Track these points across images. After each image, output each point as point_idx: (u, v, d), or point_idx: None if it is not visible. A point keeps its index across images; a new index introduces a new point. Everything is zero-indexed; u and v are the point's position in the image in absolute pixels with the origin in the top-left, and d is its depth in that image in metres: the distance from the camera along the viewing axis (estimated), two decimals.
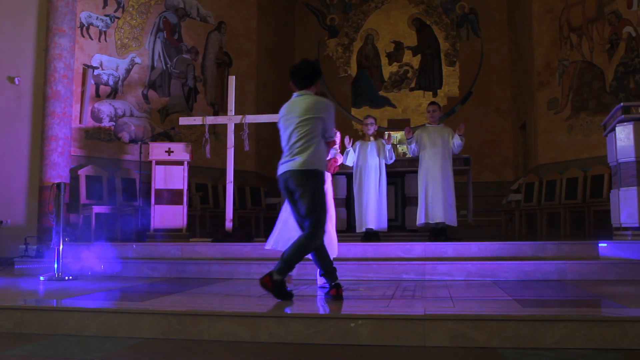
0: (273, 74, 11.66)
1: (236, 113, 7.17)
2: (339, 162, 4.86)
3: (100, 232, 7.37)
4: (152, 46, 9.46)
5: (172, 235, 7.05)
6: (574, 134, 8.83)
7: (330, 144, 4.16)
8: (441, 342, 2.98)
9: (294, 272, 4.20)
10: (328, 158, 4.47)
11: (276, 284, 3.72)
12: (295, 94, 4.03)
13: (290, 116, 3.92)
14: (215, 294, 4.29)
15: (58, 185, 5.71)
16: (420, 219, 6.65)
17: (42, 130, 7.82)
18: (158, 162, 7.26)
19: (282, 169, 3.88)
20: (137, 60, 9.16)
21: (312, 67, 4.02)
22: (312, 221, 3.75)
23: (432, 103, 7.07)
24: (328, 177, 4.41)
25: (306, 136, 3.81)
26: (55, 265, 5.45)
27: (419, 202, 6.70)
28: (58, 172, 7.75)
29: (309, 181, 3.76)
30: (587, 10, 8.69)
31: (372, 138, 6.91)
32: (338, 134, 4.82)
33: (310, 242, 3.75)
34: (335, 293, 3.83)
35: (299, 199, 3.81)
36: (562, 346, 2.87)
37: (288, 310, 3.43)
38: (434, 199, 6.56)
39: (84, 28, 8.49)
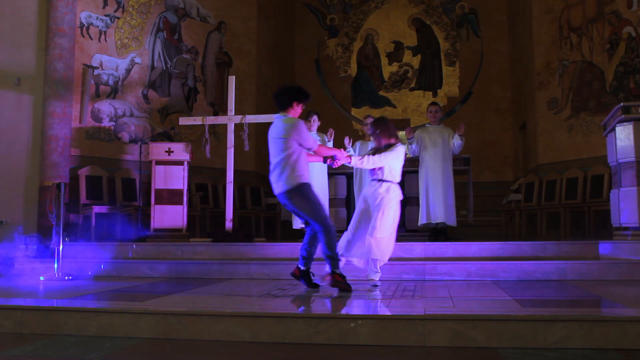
0: (273, 74, 11.65)
1: (236, 113, 7.16)
2: (341, 160, 4.80)
3: (100, 232, 7.37)
4: (152, 46, 9.46)
5: (172, 235, 7.04)
6: (574, 134, 8.82)
7: (318, 151, 4.60)
8: (441, 342, 2.98)
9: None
10: (329, 159, 4.73)
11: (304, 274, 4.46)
12: (277, 115, 4.55)
13: (271, 136, 4.48)
14: (215, 294, 4.29)
15: (58, 185, 5.71)
16: (421, 219, 6.66)
17: (42, 130, 7.81)
18: (158, 162, 7.24)
19: (274, 189, 4.48)
20: (137, 60, 9.16)
21: (285, 92, 4.51)
22: (318, 222, 4.32)
23: (434, 103, 7.09)
24: (394, 189, 4.76)
25: (285, 157, 4.34)
26: (55, 265, 5.45)
27: (420, 203, 6.70)
28: (58, 172, 7.74)
29: (294, 198, 4.35)
30: (587, 10, 8.69)
31: (372, 138, 6.90)
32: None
33: (330, 236, 4.30)
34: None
35: (293, 210, 4.49)
36: (562, 346, 2.87)
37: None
38: (435, 200, 6.57)
39: (84, 28, 8.48)
